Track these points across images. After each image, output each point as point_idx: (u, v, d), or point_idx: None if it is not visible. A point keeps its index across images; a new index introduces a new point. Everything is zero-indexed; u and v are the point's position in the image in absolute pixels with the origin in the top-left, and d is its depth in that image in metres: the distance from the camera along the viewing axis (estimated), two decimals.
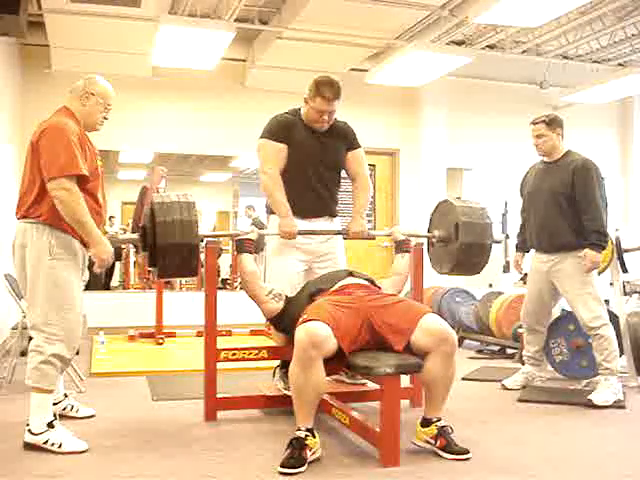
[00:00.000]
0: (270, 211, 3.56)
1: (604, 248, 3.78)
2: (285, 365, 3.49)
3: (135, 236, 3.01)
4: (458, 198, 3.69)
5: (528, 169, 4.19)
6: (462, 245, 3.42)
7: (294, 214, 3.39)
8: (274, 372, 3.62)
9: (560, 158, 3.92)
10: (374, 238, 4.14)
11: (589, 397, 3.68)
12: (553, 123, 3.91)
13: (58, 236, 2.83)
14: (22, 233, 2.86)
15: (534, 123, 3.97)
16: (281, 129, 3.41)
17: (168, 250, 3.03)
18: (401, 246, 3.52)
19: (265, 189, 3.43)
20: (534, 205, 3.99)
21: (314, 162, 3.45)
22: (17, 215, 2.92)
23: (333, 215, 3.64)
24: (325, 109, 3.34)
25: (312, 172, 3.46)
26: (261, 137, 3.45)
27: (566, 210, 3.81)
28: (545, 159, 4.00)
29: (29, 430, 2.78)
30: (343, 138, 3.57)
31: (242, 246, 3.29)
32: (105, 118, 3.09)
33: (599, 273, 4.08)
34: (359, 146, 3.63)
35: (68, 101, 3.04)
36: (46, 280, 2.81)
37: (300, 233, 3.36)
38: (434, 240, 3.65)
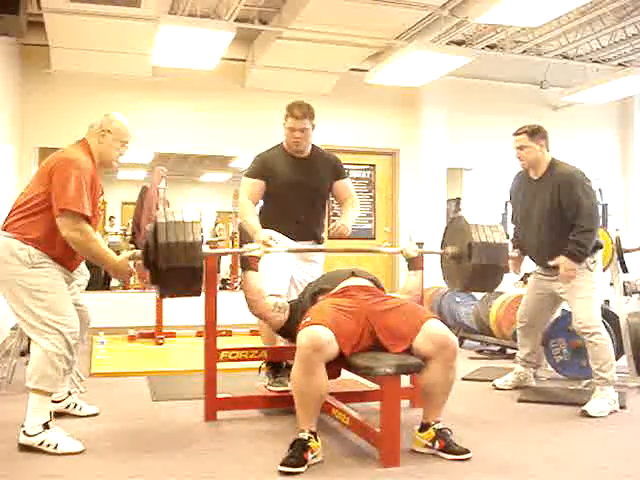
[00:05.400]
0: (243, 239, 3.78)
1: (581, 260, 3.62)
2: (269, 362, 3.57)
3: (138, 252, 2.99)
4: (458, 213, 3.59)
5: (514, 178, 4.03)
6: (475, 266, 3.25)
7: None
8: (259, 369, 3.58)
9: (545, 173, 3.76)
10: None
11: (583, 408, 3.51)
12: (536, 134, 3.75)
13: (40, 254, 2.82)
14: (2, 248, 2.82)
15: (516, 134, 3.82)
16: (259, 166, 3.66)
17: (170, 273, 2.87)
18: (414, 263, 3.38)
19: (240, 216, 3.68)
20: (529, 226, 3.85)
21: (295, 185, 3.60)
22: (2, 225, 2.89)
23: (318, 240, 3.75)
24: (296, 126, 3.54)
25: (293, 195, 3.59)
26: (244, 175, 3.75)
27: (560, 229, 3.66)
28: (531, 174, 3.83)
29: (24, 431, 2.77)
30: (330, 167, 3.75)
31: (247, 263, 3.14)
32: (121, 154, 3.10)
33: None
34: (347, 176, 3.87)
35: (87, 135, 3.05)
36: (30, 289, 2.78)
37: (290, 251, 3.42)
38: (447, 257, 3.50)
